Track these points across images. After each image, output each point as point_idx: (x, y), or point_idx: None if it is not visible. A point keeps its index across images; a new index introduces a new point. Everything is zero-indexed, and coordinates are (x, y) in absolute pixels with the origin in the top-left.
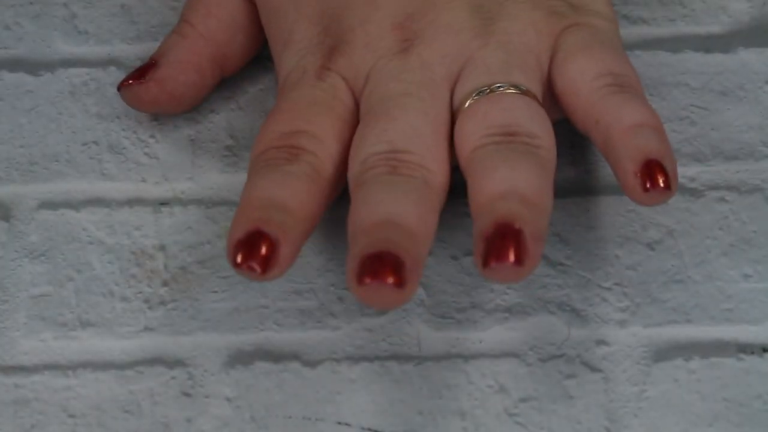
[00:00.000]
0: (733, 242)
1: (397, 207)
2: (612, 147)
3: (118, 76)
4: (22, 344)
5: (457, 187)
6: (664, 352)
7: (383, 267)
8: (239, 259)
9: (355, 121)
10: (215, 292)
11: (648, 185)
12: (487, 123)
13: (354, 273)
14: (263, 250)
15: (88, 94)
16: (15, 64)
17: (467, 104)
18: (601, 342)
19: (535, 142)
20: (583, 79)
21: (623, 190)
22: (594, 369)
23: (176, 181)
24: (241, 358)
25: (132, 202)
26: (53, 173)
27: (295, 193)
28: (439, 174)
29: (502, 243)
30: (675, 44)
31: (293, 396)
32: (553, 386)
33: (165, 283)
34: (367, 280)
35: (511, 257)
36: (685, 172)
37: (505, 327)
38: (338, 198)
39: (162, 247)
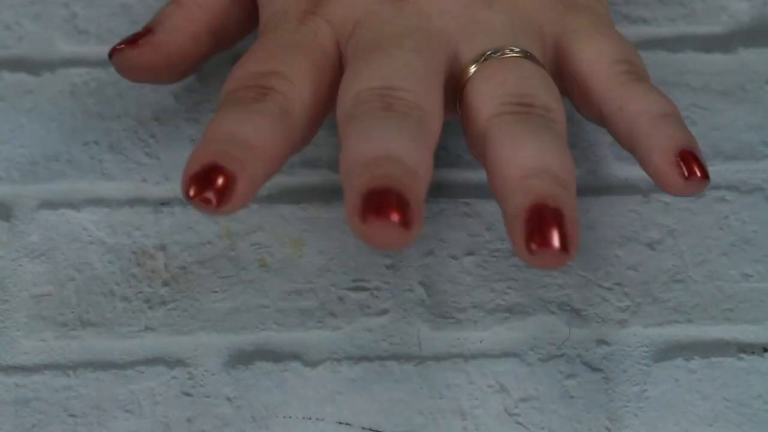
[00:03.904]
0: (734, 242)
1: (395, 142)
2: (642, 135)
3: (119, 76)
4: (22, 344)
5: (458, 187)
6: (665, 352)
7: (388, 204)
8: (192, 191)
9: (331, 69)
10: (216, 292)
11: (687, 174)
12: (506, 90)
13: (356, 209)
14: (219, 183)
15: (88, 93)
16: (15, 64)
17: (480, 64)
18: (601, 342)
19: (551, 115)
20: (601, 62)
21: (657, 180)
22: (594, 369)
23: (177, 181)
24: (241, 358)
25: (132, 202)
26: (54, 173)
27: (259, 131)
28: (434, 118)
29: (545, 227)
30: (675, 44)
31: (293, 396)
32: (553, 386)
33: (165, 283)
34: (372, 218)
35: (556, 243)
36: None
37: (506, 327)
38: (336, 198)
39: (162, 247)
